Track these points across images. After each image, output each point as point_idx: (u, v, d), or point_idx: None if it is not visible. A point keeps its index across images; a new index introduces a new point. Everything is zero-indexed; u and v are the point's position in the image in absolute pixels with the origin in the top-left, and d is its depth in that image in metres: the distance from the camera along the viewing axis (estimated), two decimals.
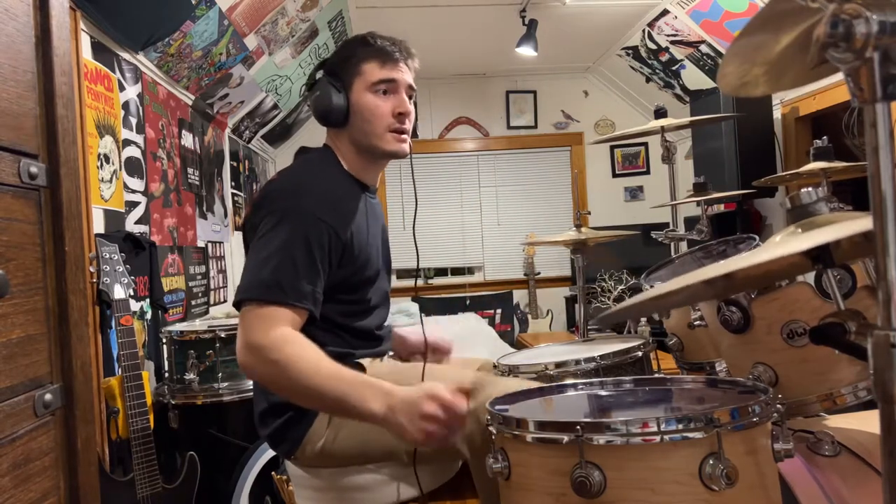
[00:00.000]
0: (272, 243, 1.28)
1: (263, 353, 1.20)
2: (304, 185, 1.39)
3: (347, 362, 1.39)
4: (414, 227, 1.73)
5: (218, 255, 3.57)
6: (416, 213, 1.72)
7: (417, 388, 1.15)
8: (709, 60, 3.93)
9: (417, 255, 1.56)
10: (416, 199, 1.66)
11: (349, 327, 1.42)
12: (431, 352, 1.62)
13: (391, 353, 1.62)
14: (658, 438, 0.88)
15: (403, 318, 4.08)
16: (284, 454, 1.42)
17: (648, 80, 4.72)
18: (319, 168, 1.46)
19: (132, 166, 2.50)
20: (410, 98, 1.49)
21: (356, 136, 1.45)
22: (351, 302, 1.42)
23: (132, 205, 2.48)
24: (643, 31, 4.14)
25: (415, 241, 1.56)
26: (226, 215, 3.74)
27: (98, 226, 2.19)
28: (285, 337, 1.22)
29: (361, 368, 1.39)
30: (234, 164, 3.97)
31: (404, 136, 1.46)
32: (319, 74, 1.47)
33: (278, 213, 1.31)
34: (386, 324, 1.58)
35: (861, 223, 0.76)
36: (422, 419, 1.11)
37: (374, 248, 1.48)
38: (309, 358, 1.21)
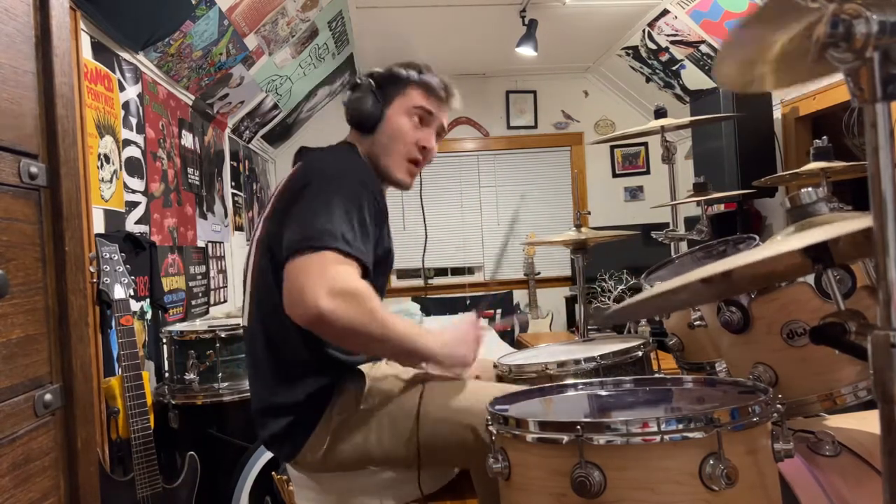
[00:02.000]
0: (332, 202, 1.25)
1: (359, 298, 1.17)
2: (346, 160, 1.43)
3: (345, 367, 1.39)
4: (426, 227, 1.77)
5: (218, 255, 3.57)
6: (424, 213, 1.77)
7: (458, 330, 1.39)
8: (709, 60, 3.93)
9: (424, 254, 1.59)
10: (422, 202, 1.69)
11: None
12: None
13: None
14: (658, 438, 0.88)
15: (403, 319, 4.07)
16: (285, 458, 1.42)
17: (648, 80, 4.72)
18: (355, 154, 1.48)
19: (132, 166, 2.50)
20: (439, 136, 1.52)
21: (375, 150, 1.47)
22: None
23: (132, 205, 2.48)
24: (643, 31, 4.14)
25: (425, 242, 1.59)
26: (226, 215, 3.74)
27: (98, 226, 2.19)
28: (370, 288, 1.21)
29: (360, 376, 1.39)
30: (235, 164, 3.97)
31: (416, 170, 1.49)
32: (365, 79, 1.49)
33: (333, 181, 1.31)
34: None
35: (859, 222, 0.76)
36: (474, 343, 1.39)
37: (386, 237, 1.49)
38: (387, 312, 1.23)
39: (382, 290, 1.47)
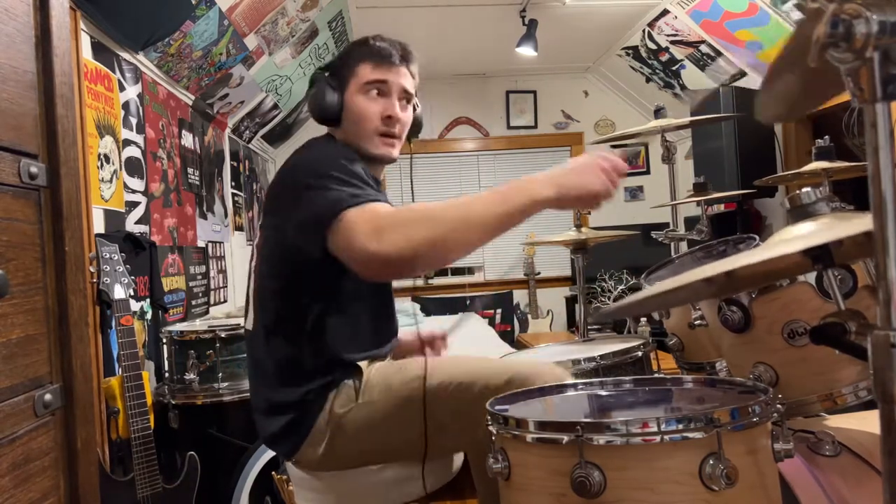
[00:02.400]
0: (326, 180, 1.24)
1: (396, 218, 1.13)
2: (319, 148, 1.40)
3: (346, 365, 1.39)
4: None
5: (218, 255, 3.57)
6: (413, 197, 1.74)
7: (572, 160, 1.22)
8: (709, 60, 3.93)
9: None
10: (412, 192, 1.66)
11: (357, 324, 1.41)
12: (428, 345, 1.61)
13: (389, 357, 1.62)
14: (658, 438, 0.88)
15: (403, 318, 4.08)
16: (285, 456, 1.42)
17: (648, 80, 4.72)
18: (330, 142, 1.46)
19: (132, 166, 2.50)
20: (408, 102, 1.48)
21: (348, 137, 1.45)
22: (363, 295, 1.41)
23: (132, 205, 2.48)
24: (643, 31, 4.14)
25: None
26: (226, 215, 3.74)
27: (98, 226, 2.19)
28: (398, 208, 1.17)
29: (358, 371, 1.38)
30: (235, 164, 3.97)
31: (392, 141, 1.45)
32: (318, 73, 1.47)
33: (312, 164, 1.31)
34: None
35: (860, 223, 0.76)
36: (600, 171, 1.19)
37: None
38: (443, 204, 1.15)
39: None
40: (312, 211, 1.22)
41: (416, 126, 1.55)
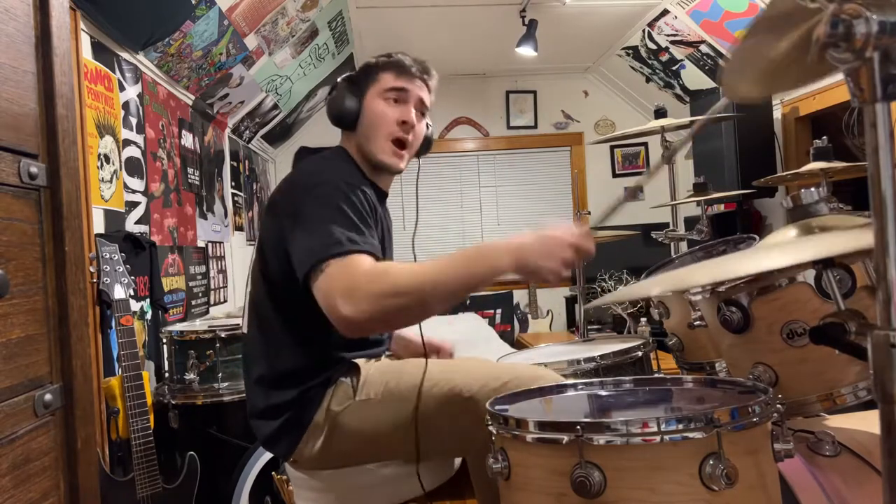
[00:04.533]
0: (319, 212, 1.27)
1: (368, 287, 1.16)
2: (328, 167, 1.43)
3: (342, 364, 1.39)
4: (417, 216, 1.83)
5: (218, 255, 3.57)
6: (417, 219, 1.79)
7: (539, 232, 1.21)
8: (709, 60, 3.93)
9: (415, 256, 1.57)
10: (417, 206, 1.69)
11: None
12: (434, 352, 1.62)
13: (389, 353, 1.62)
14: (658, 438, 0.88)
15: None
16: (282, 457, 1.42)
17: (648, 80, 4.72)
18: (338, 158, 1.48)
19: (132, 166, 2.50)
20: (422, 114, 1.52)
21: (361, 140, 1.48)
22: None
23: (132, 205, 2.48)
24: (643, 31, 4.14)
25: (412, 246, 1.59)
26: (226, 215, 3.74)
27: (98, 226, 2.19)
28: (375, 266, 1.20)
29: (356, 369, 1.39)
30: (235, 164, 3.97)
31: (402, 152, 1.48)
32: (340, 80, 1.51)
33: (312, 189, 1.32)
34: None
35: (862, 234, 0.76)
36: (560, 258, 1.19)
37: (386, 248, 1.49)
38: (411, 267, 1.19)
39: None
40: (302, 245, 1.25)
41: (427, 143, 1.59)
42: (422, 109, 1.51)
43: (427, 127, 1.56)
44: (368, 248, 1.24)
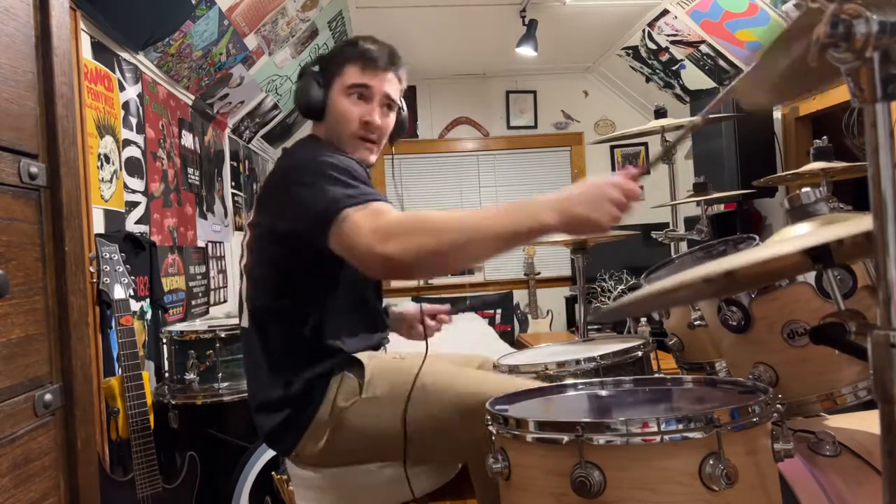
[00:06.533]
0: (316, 183, 1.24)
1: (405, 227, 1.13)
2: (303, 151, 1.42)
3: (343, 356, 1.38)
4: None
5: (218, 255, 3.57)
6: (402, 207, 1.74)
7: (583, 183, 1.15)
8: (709, 60, 3.93)
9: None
10: (401, 205, 1.67)
11: (345, 318, 1.41)
12: (430, 317, 1.62)
13: (387, 342, 1.61)
14: (658, 438, 0.88)
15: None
16: (283, 453, 1.42)
17: (648, 80, 4.72)
18: (311, 143, 1.47)
19: (132, 166, 2.50)
20: (390, 108, 1.48)
21: (329, 135, 1.47)
22: (349, 290, 1.40)
23: (132, 205, 2.48)
24: (643, 31, 4.14)
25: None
26: (226, 215, 3.74)
27: (98, 226, 2.19)
28: (406, 212, 1.17)
29: (360, 364, 1.38)
30: (234, 164, 3.97)
31: (370, 146, 1.46)
32: (308, 66, 1.49)
33: (297, 170, 1.31)
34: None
35: (862, 223, 0.76)
36: (608, 202, 1.11)
37: None
38: (448, 214, 1.15)
39: (368, 281, 1.46)
40: (312, 210, 1.23)
41: (400, 128, 1.55)
42: (388, 104, 1.47)
43: (400, 112, 1.52)
44: (375, 196, 1.22)
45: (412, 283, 5.16)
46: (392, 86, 1.46)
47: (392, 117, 1.50)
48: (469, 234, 1.13)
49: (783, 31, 0.73)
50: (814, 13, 0.62)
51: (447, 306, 1.68)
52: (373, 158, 1.48)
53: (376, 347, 1.50)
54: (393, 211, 1.19)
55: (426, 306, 1.62)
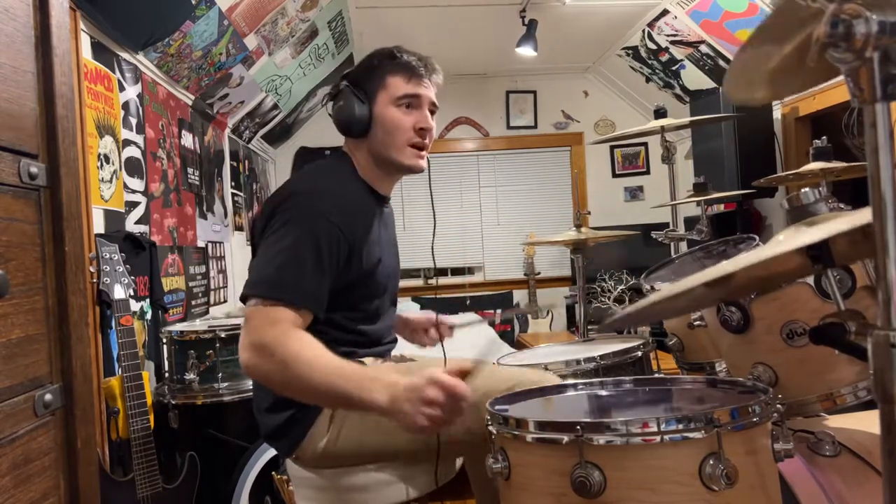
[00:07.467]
0: (281, 241, 1.29)
1: (267, 351, 1.20)
2: (317, 187, 1.40)
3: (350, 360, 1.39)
4: (435, 224, 1.69)
5: (218, 255, 3.57)
6: (434, 220, 1.69)
7: (419, 376, 1.14)
8: (709, 60, 3.93)
9: (434, 258, 1.59)
10: (433, 208, 1.65)
11: (355, 331, 1.43)
12: (436, 326, 1.65)
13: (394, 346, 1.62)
14: (658, 438, 0.88)
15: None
16: (285, 453, 1.42)
17: (648, 80, 4.72)
18: (334, 173, 1.47)
19: (132, 166, 2.50)
20: (433, 114, 1.51)
21: (376, 148, 1.46)
22: (360, 308, 1.43)
23: (132, 205, 2.48)
24: (643, 31, 4.14)
25: (432, 248, 1.62)
26: (226, 215, 3.74)
27: (98, 226, 2.19)
28: (287, 335, 1.22)
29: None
30: (234, 164, 3.97)
31: (423, 153, 1.48)
32: (343, 84, 1.47)
33: (289, 212, 1.32)
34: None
35: (859, 219, 0.76)
36: (424, 405, 1.10)
37: (387, 257, 1.48)
38: (310, 355, 1.20)
39: (385, 297, 1.48)
40: (251, 268, 1.33)
41: None
42: (433, 109, 1.50)
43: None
44: (299, 298, 1.26)
45: (412, 284, 5.16)
46: (433, 92, 1.50)
47: (434, 121, 1.53)
48: (312, 385, 1.19)
49: (761, 24, 0.73)
50: (797, 6, 0.62)
51: (452, 321, 1.70)
52: (424, 164, 1.50)
53: (383, 355, 1.50)
54: (285, 324, 1.23)
55: (433, 315, 1.65)
